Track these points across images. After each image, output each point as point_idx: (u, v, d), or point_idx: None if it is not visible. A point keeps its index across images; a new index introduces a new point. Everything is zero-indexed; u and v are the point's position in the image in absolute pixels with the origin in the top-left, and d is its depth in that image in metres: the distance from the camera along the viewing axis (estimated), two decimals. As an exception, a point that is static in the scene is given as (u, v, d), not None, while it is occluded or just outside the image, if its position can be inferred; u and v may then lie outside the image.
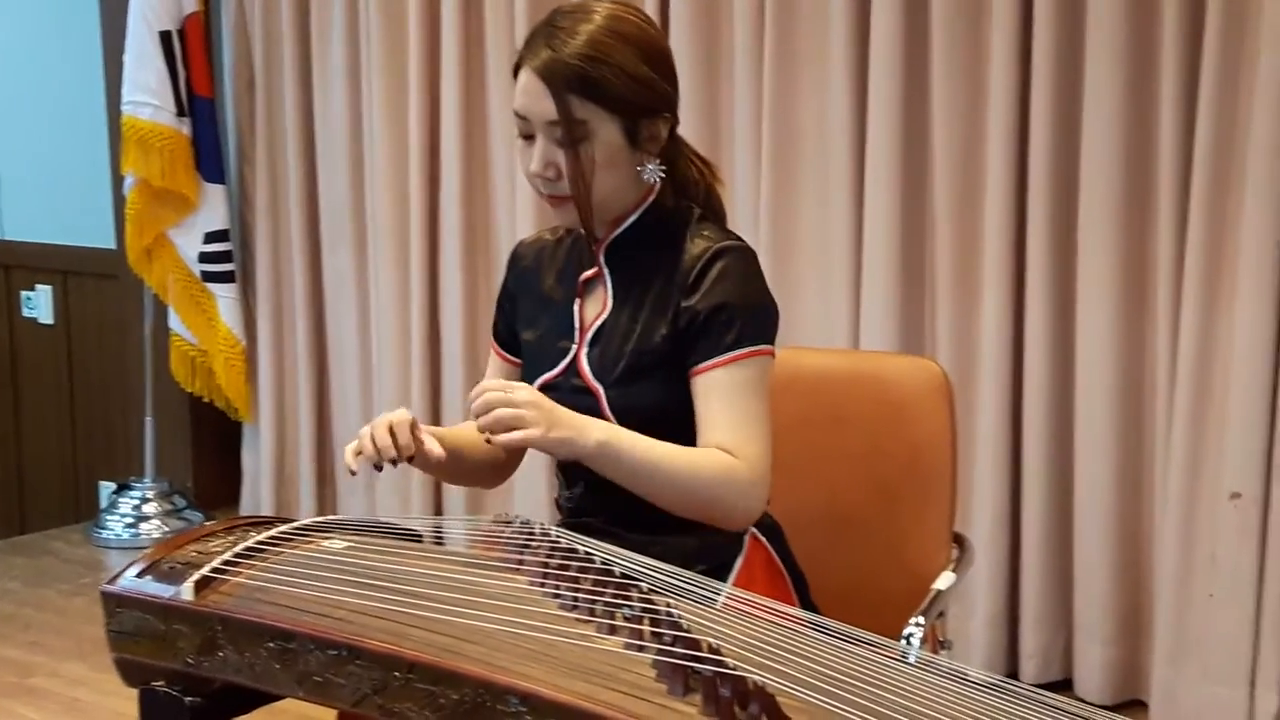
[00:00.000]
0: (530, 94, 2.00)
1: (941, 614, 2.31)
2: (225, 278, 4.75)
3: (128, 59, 4.64)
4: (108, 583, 1.92)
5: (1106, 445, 3.32)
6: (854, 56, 3.51)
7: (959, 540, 2.41)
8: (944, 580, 2.31)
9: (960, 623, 3.51)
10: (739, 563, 2.08)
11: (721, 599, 1.84)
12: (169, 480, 4.98)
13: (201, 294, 4.76)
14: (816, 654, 1.60)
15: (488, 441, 1.94)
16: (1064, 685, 3.45)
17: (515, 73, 2.04)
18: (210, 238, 4.72)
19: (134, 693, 1.90)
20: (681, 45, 3.70)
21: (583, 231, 2.10)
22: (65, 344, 5.55)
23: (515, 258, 2.27)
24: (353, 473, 2.02)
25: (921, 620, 2.21)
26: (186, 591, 1.83)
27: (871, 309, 3.53)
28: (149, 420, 4.93)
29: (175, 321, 4.83)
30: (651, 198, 2.10)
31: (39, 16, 5.41)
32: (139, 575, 1.92)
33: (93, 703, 3.59)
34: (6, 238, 5.69)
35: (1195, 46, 3.12)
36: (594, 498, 2.09)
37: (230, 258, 4.75)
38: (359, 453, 1.99)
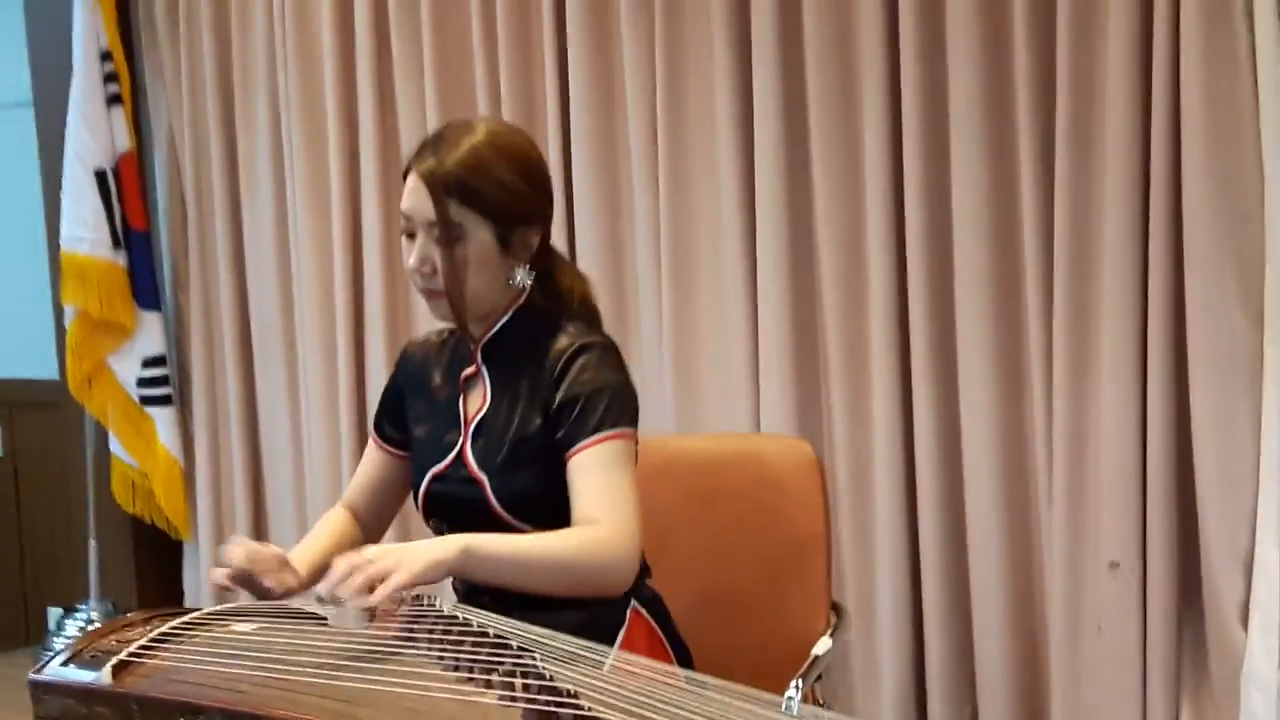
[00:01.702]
0: (414, 195, 2.21)
1: (820, 676, 2.48)
2: (163, 401, 4.90)
3: (65, 196, 4.82)
4: (34, 672, 2.07)
5: (995, 521, 3.50)
6: (741, 164, 3.73)
7: (836, 608, 2.59)
8: (822, 645, 2.49)
9: (870, 699, 3.67)
10: (621, 634, 2.25)
11: (608, 664, 2.00)
12: (113, 600, 5.09)
13: (140, 418, 4.91)
14: (685, 703, 1.77)
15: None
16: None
17: (405, 176, 2.26)
18: (148, 363, 4.88)
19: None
20: (584, 154, 3.95)
21: (455, 326, 2.30)
22: (12, 474, 5.69)
23: (404, 358, 2.47)
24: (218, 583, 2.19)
25: (800, 683, 2.38)
26: (105, 676, 1.99)
27: (769, 398, 3.72)
28: (92, 543, 5.06)
29: (116, 445, 4.97)
30: (522, 299, 2.30)
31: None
32: (63, 664, 2.07)
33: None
34: (-45, 374, 5.85)
35: (1049, 141, 3.35)
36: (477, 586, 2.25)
37: (167, 381, 4.91)
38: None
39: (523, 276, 2.27)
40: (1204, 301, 3.17)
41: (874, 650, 3.69)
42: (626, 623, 2.27)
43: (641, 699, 1.76)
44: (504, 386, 2.28)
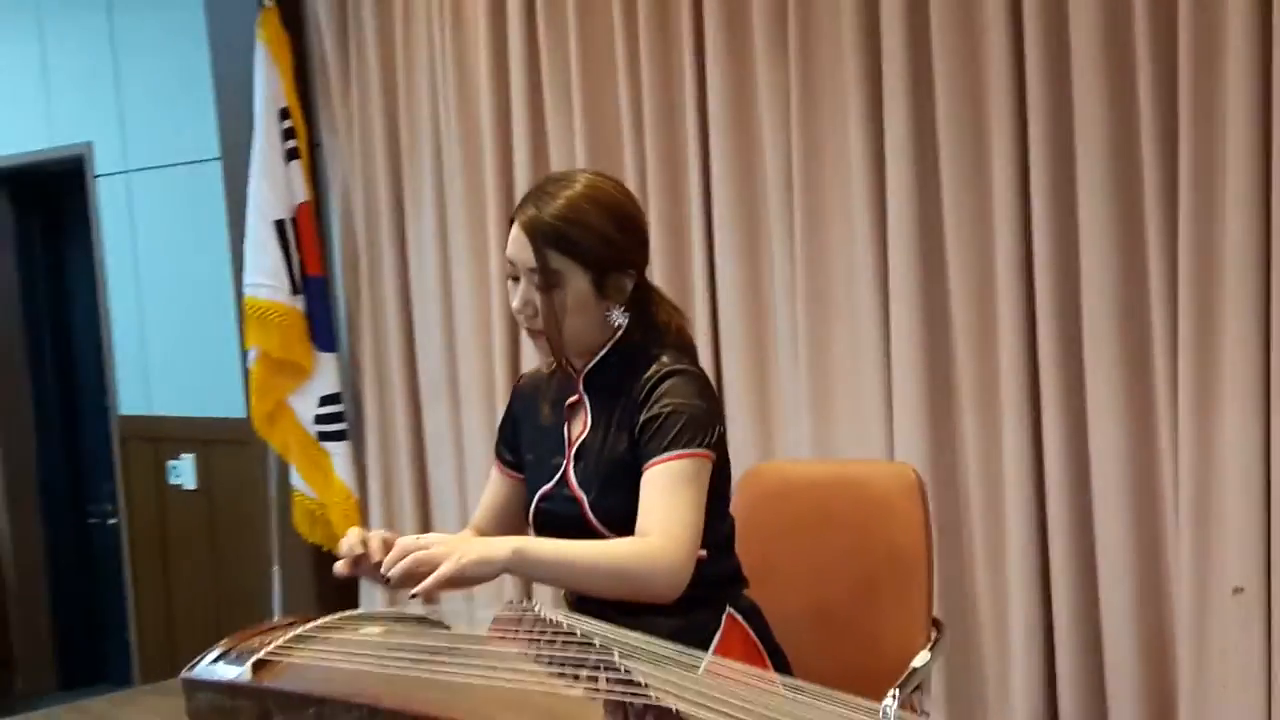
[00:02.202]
0: (516, 244, 2.41)
1: (918, 688, 2.60)
2: (338, 436, 5.21)
3: (247, 246, 5.18)
4: (186, 670, 2.31)
5: (1125, 548, 3.55)
6: (874, 199, 3.87)
7: (936, 624, 2.71)
8: (920, 659, 2.62)
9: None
10: (716, 639, 2.41)
11: (702, 668, 2.16)
12: (296, 625, 5.39)
13: (318, 452, 5.22)
14: (771, 704, 1.93)
15: (412, 596, 2.24)
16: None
17: (510, 224, 2.46)
18: (324, 400, 5.20)
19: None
20: (724, 192, 4.15)
21: (554, 360, 2.49)
22: (207, 507, 6.07)
23: (518, 389, 2.67)
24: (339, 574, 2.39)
25: (897, 692, 2.52)
26: (246, 672, 2.21)
27: (902, 427, 3.83)
28: (276, 570, 5.39)
29: (296, 479, 5.29)
30: (620, 333, 2.48)
31: (176, 214, 6.02)
32: (212, 663, 2.31)
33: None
34: (155, 413, 6.26)
35: (1172, 173, 3.42)
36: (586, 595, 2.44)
37: (343, 418, 5.22)
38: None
39: (618, 317, 2.45)
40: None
41: (1006, 677, 3.77)
42: (721, 629, 2.43)
43: (727, 699, 1.92)
44: (602, 413, 2.47)
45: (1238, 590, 3.34)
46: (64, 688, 6.73)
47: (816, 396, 4.01)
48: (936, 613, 2.76)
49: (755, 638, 2.48)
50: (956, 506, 3.83)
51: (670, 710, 1.83)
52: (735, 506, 2.91)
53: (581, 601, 2.48)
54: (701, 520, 2.35)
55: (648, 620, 2.30)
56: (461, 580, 2.24)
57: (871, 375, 3.93)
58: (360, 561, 2.37)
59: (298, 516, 5.33)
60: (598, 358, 2.49)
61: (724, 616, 2.45)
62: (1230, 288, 3.33)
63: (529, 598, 2.59)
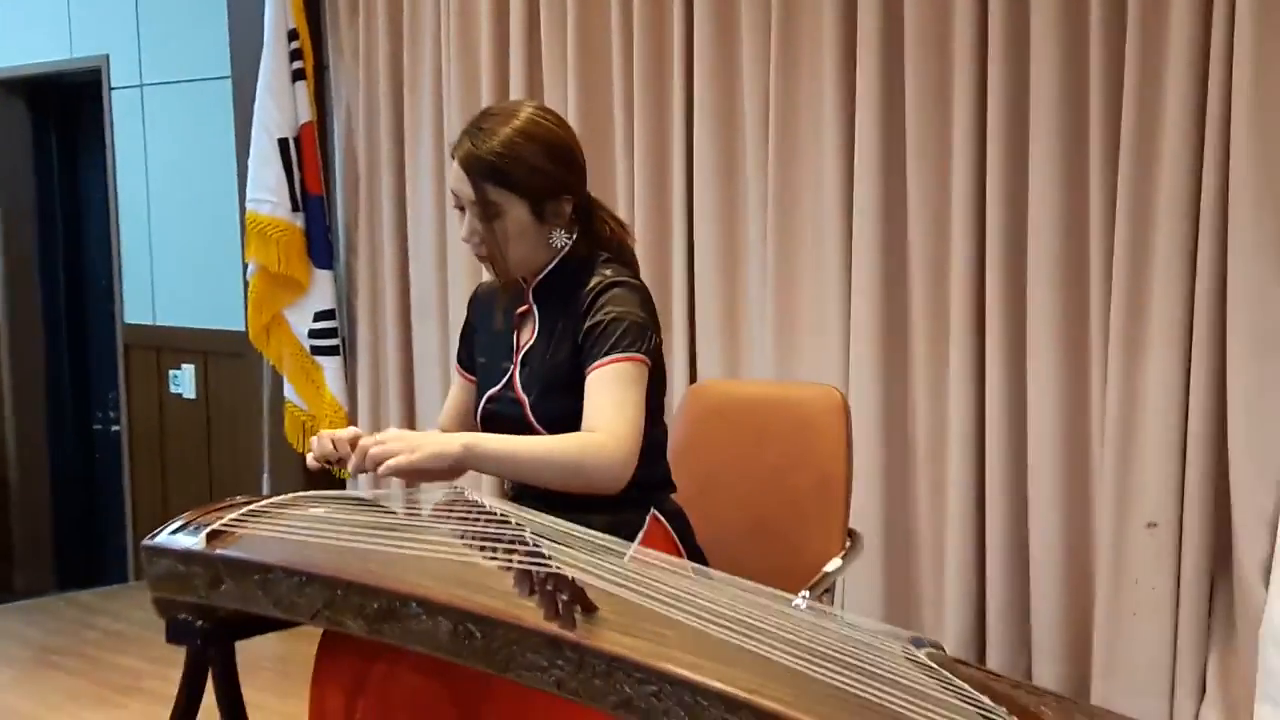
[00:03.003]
0: (456, 178, 2.59)
1: (828, 591, 2.79)
2: (331, 351, 5.40)
3: (251, 162, 5.35)
4: (147, 539, 2.51)
5: (1054, 483, 3.75)
6: (843, 145, 4.06)
7: (852, 534, 2.90)
8: (832, 564, 2.80)
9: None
10: (640, 535, 2.59)
11: (627, 556, 2.33)
12: (282, 531, 5.59)
13: (311, 366, 5.41)
14: (675, 583, 2.11)
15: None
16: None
17: (452, 157, 2.63)
18: (319, 316, 5.39)
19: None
20: (704, 141, 4.32)
21: (503, 280, 2.66)
22: (204, 416, 6.27)
23: (474, 298, 2.85)
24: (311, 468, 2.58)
25: (809, 592, 2.69)
26: (200, 542, 2.41)
27: (858, 360, 4.05)
28: (266, 478, 5.59)
29: (289, 391, 5.48)
30: (567, 248, 2.65)
31: (186, 129, 6.19)
32: (172, 533, 2.50)
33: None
34: (159, 323, 6.45)
35: (1115, 132, 3.59)
36: (527, 486, 2.62)
37: (336, 334, 5.41)
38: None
39: (561, 239, 2.62)
40: (1244, 285, 3.38)
41: (942, 597, 3.97)
42: (645, 526, 2.61)
43: (626, 573, 2.10)
44: (548, 321, 2.64)
45: (1152, 525, 3.52)
46: (61, 587, 6.95)
47: (781, 323, 4.20)
48: (854, 525, 2.94)
49: (676, 538, 2.66)
50: (904, 432, 4.03)
51: (568, 578, 2.01)
52: (682, 420, 3.11)
53: (520, 496, 2.66)
54: (642, 419, 2.53)
55: (579, 516, 2.48)
56: (418, 472, 2.42)
57: (833, 305, 4.12)
58: (327, 460, 2.55)
59: (289, 427, 5.52)
60: (545, 271, 2.66)
61: (648, 516, 2.62)
62: (1161, 242, 3.54)
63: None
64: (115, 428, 6.90)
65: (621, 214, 4.45)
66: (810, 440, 2.92)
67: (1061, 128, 3.69)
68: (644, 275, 4.32)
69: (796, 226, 4.19)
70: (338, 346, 5.42)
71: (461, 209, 2.62)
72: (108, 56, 6.52)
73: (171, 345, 6.36)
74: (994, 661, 3.89)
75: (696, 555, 2.69)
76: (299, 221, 5.34)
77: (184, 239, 6.26)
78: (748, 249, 4.32)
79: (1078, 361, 3.74)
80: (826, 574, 2.77)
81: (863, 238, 4.02)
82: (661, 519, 2.65)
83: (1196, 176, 3.48)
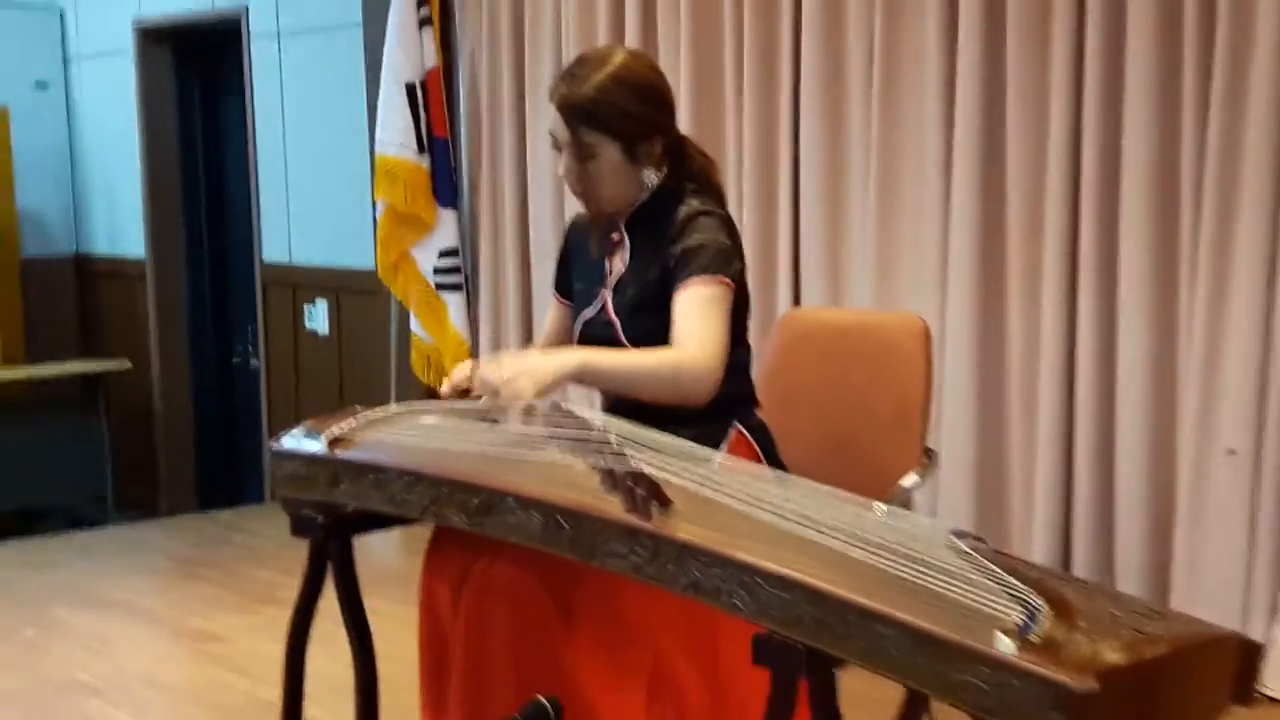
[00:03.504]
0: (553, 121, 2.78)
1: (904, 505, 2.96)
2: (455, 288, 5.65)
3: (380, 106, 5.61)
4: (274, 442, 2.76)
5: (1141, 410, 3.91)
6: (944, 93, 4.23)
7: (929, 453, 3.06)
8: (909, 479, 2.97)
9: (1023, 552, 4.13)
10: (724, 447, 2.78)
11: (715, 462, 2.52)
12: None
13: (436, 301, 5.67)
14: (732, 479, 2.31)
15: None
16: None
17: (550, 100, 2.82)
18: (443, 254, 5.64)
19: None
20: (810, 85, 4.50)
21: (596, 216, 2.86)
22: (336, 351, 6.57)
23: (570, 229, 3.05)
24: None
25: (884, 506, 2.86)
26: (322, 445, 2.65)
27: (955, 295, 4.21)
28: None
29: (415, 325, 5.75)
30: (659, 181, 2.84)
31: (320, 75, 6.47)
32: (298, 439, 2.75)
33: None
34: (295, 261, 6.76)
35: (1206, 78, 3.70)
36: (621, 402, 2.82)
37: (459, 270, 5.66)
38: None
39: (652, 176, 2.80)
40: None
41: (1030, 519, 4.14)
42: (729, 439, 2.80)
43: (706, 475, 2.30)
44: (640, 249, 2.83)
45: (1231, 452, 3.64)
46: (202, 509, 7.33)
47: (881, 261, 4.37)
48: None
49: (759, 451, 2.85)
50: (998, 360, 4.19)
51: (646, 476, 2.22)
52: (773, 344, 3.30)
53: (614, 410, 2.87)
54: (727, 337, 2.71)
55: (668, 429, 2.68)
56: (546, 392, 2.63)
57: (931, 245, 4.28)
58: (462, 391, 2.77)
59: (415, 360, 5.79)
60: (638, 204, 2.85)
61: (732, 429, 2.81)
62: (1247, 187, 3.66)
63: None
64: (254, 361, 7.24)
65: (730, 157, 4.67)
66: (892, 364, 3.08)
67: (1156, 74, 3.81)
68: (751, 211, 4.60)
69: (899, 172, 4.36)
70: (461, 283, 5.66)
71: (559, 149, 2.82)
72: (246, 6, 6.81)
73: (306, 282, 6.67)
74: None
75: (778, 466, 2.87)
76: (425, 163, 5.59)
77: (317, 180, 6.55)
78: (850, 188, 4.49)
79: (1166, 295, 3.87)
80: (902, 488, 2.94)
81: (962, 175, 4.18)
82: (744, 431, 2.83)
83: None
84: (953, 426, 4.23)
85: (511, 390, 2.56)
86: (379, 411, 2.80)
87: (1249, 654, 1.93)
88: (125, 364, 7.63)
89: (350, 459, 2.60)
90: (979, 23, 4.10)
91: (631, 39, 4.98)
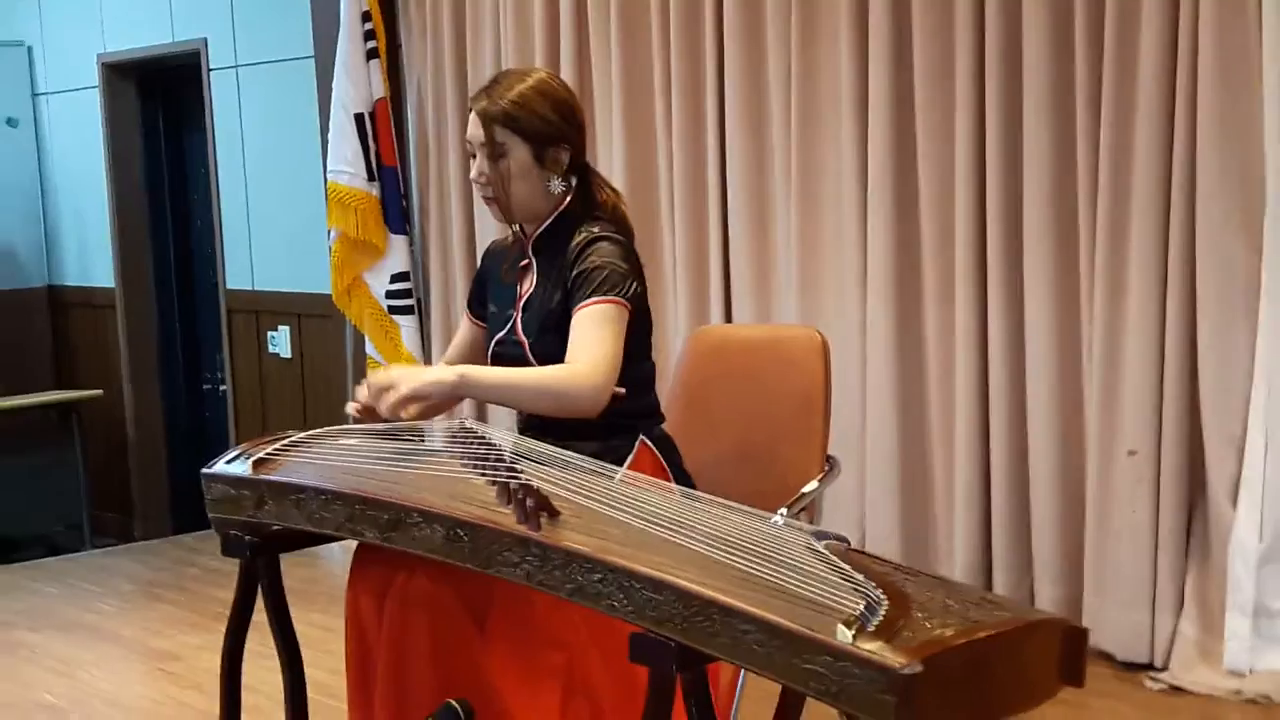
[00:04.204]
0: (472, 125, 2.96)
1: (804, 510, 3.12)
2: (407, 310, 5.83)
3: (331, 136, 5.78)
4: (206, 468, 2.92)
5: (1050, 413, 4.09)
6: (857, 113, 4.42)
7: (830, 459, 3.23)
8: (809, 486, 3.14)
9: (945, 568, 4.30)
10: (629, 460, 2.95)
11: (617, 477, 2.68)
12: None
13: (389, 324, 5.84)
14: (621, 491, 2.48)
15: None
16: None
17: (469, 108, 3.01)
18: (395, 278, 5.81)
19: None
20: (735, 117, 4.69)
21: (508, 225, 3.03)
22: (299, 373, 6.74)
23: (487, 253, 3.23)
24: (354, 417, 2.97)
25: (786, 510, 3.03)
26: (248, 468, 2.82)
27: (874, 305, 4.41)
28: (352, 429, 6.02)
29: (370, 348, 5.92)
30: (564, 206, 3.01)
31: (276, 106, 6.64)
32: (226, 462, 2.91)
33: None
34: (257, 288, 6.93)
35: (1096, 100, 3.90)
36: (531, 419, 2.99)
37: (411, 294, 5.83)
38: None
39: (557, 185, 2.98)
40: (1213, 236, 3.69)
41: (952, 524, 4.32)
42: (634, 452, 2.97)
43: (595, 488, 2.47)
44: (546, 272, 3.00)
45: (1132, 453, 3.82)
46: (176, 532, 7.47)
47: (805, 275, 4.56)
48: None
49: (664, 462, 3.01)
50: (918, 371, 4.38)
51: (535, 489, 2.39)
52: (683, 361, 3.47)
53: (527, 426, 3.04)
54: (619, 353, 2.87)
55: (574, 444, 2.84)
56: (420, 398, 2.79)
57: (851, 258, 4.46)
58: (368, 410, 2.94)
59: (371, 381, 5.93)
60: (544, 226, 3.02)
61: (637, 442, 2.98)
62: (1137, 199, 3.87)
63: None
64: (222, 387, 7.39)
65: (661, 180, 4.86)
66: (793, 376, 3.24)
67: (1050, 94, 4.04)
68: (683, 233, 4.78)
69: (818, 187, 4.55)
70: (413, 306, 5.84)
71: (474, 155, 3.00)
72: (205, 40, 6.99)
73: (269, 308, 6.84)
74: (999, 581, 4.23)
75: (683, 478, 3.04)
76: (375, 190, 5.76)
77: (277, 208, 6.73)
78: (775, 212, 4.68)
79: (1068, 303, 4.07)
80: (804, 494, 3.10)
81: (876, 193, 4.37)
82: (650, 444, 3.00)
83: (1168, 153, 3.82)
84: (876, 431, 4.41)
85: (388, 398, 2.73)
86: (304, 434, 2.96)
87: (1076, 638, 2.09)
88: (98, 393, 7.78)
89: (273, 480, 2.76)
90: (887, 49, 4.30)
91: (567, 70, 5.16)
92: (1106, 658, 4.06)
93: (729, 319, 4.78)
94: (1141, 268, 3.83)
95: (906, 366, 4.37)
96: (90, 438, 7.81)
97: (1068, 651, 2.08)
